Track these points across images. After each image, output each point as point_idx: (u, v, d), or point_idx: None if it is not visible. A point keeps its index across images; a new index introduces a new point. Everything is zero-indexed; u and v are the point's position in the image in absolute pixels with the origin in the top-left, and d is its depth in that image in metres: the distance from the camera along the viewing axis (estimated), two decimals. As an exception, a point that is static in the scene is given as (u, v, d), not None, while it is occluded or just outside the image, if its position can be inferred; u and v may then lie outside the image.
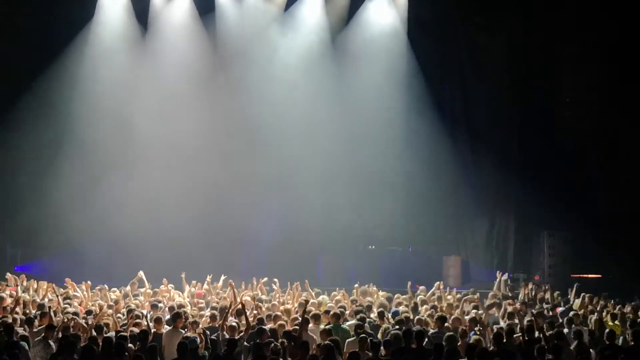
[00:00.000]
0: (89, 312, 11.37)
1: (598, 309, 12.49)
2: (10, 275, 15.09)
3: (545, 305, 12.79)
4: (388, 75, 19.87)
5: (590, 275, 17.51)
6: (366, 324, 10.41)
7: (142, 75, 19.51)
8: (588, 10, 18.58)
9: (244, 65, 19.58)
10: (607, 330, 10.10)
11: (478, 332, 10.19)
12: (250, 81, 19.52)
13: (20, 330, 9.79)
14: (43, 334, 9.70)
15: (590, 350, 9.50)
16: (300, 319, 10.03)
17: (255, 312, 11.47)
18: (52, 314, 10.73)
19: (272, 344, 9.03)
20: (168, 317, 10.78)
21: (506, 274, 15.02)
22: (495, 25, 19.60)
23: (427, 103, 19.89)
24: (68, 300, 12.18)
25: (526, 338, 9.55)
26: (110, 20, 19.57)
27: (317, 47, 19.74)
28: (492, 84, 19.60)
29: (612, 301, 13.00)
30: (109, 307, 11.73)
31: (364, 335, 9.41)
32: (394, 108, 20.00)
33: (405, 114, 20.01)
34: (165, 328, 10.26)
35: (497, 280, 14.53)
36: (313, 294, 13.34)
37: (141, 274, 14.45)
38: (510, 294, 13.60)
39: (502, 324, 10.96)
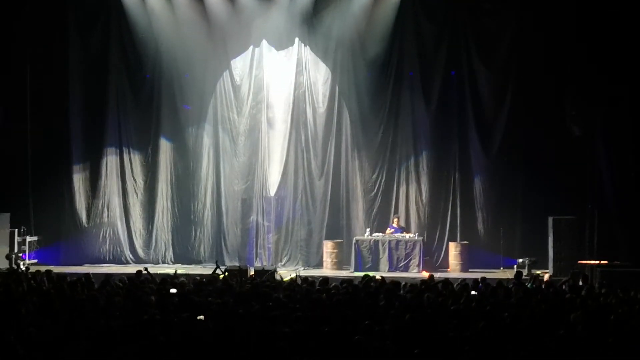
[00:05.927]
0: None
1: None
2: (19, 262, 15.30)
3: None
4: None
5: (596, 262, 17.45)
6: None
7: None
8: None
9: None
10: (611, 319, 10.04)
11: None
12: None
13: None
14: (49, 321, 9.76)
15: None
16: None
17: None
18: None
19: None
20: None
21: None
22: (502, 10, 19.50)
23: (433, 89, 19.86)
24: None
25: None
26: None
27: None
28: (498, 70, 19.51)
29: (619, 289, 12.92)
30: None
31: None
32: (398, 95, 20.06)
33: (409, 100, 20.00)
34: None
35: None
36: None
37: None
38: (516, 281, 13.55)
39: None
